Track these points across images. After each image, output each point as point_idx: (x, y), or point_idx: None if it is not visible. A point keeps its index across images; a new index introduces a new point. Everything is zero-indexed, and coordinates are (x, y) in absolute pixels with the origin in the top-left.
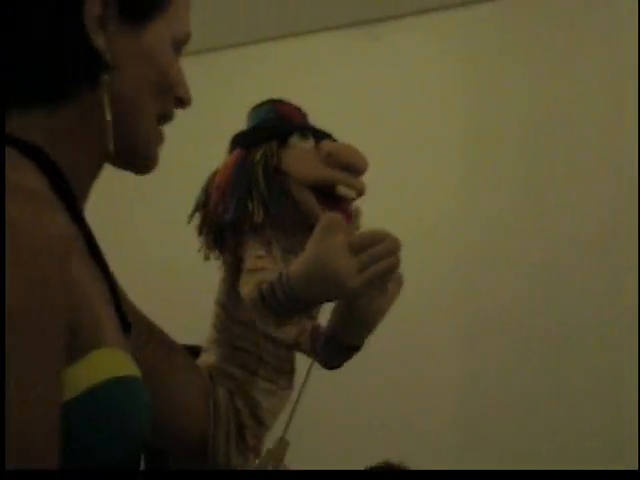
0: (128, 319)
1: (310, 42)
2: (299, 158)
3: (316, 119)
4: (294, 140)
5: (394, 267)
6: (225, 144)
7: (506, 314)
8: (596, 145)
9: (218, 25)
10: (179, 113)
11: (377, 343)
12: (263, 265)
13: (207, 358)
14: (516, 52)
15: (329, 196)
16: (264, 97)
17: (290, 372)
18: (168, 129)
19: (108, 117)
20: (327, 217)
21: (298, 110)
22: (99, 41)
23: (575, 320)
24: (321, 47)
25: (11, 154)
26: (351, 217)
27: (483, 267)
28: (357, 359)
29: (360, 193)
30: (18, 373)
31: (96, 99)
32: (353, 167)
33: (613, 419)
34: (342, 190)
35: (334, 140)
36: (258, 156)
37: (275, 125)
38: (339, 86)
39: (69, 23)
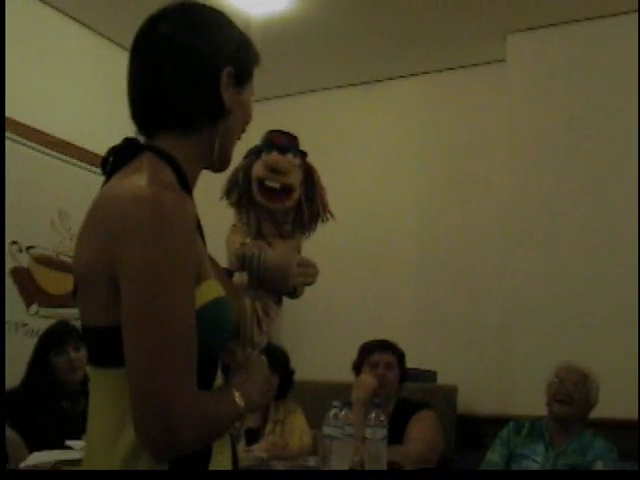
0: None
1: (316, 97)
2: (257, 165)
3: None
4: (263, 154)
5: (312, 282)
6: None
7: (439, 250)
8: (491, 167)
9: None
10: None
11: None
12: (236, 231)
13: (236, 279)
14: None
15: (266, 188)
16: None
17: (280, 300)
18: None
19: (217, 145)
20: (298, 243)
21: (286, 135)
22: (226, 98)
23: (482, 259)
24: (326, 101)
25: (155, 159)
26: (281, 202)
27: (431, 225)
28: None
29: (284, 186)
30: (181, 292)
31: (211, 132)
32: (276, 169)
33: None
34: (268, 183)
35: (296, 152)
36: (242, 164)
37: (260, 145)
38: (340, 126)
39: (210, 87)
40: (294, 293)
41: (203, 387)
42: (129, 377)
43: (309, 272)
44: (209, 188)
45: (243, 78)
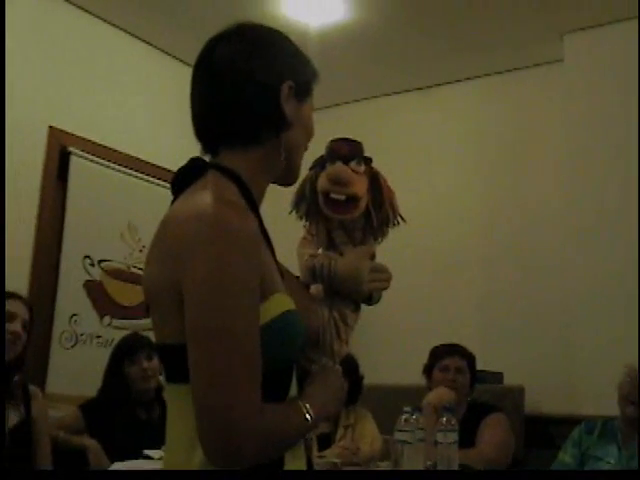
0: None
1: (375, 104)
2: (321, 178)
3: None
4: (327, 165)
5: (385, 287)
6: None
7: (502, 249)
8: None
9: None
10: None
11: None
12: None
13: (312, 290)
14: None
15: (332, 200)
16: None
17: (358, 307)
18: None
19: (283, 158)
20: (370, 249)
21: (349, 143)
22: (287, 110)
23: (545, 258)
24: (385, 106)
25: (219, 177)
26: (348, 212)
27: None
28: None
29: (349, 196)
30: (243, 307)
31: (275, 145)
32: (340, 181)
33: None
34: (333, 195)
35: (360, 159)
36: (308, 176)
37: (324, 156)
38: (400, 131)
39: (271, 100)
40: (370, 299)
41: (276, 399)
42: (193, 392)
43: (382, 277)
44: (280, 201)
45: (303, 93)
